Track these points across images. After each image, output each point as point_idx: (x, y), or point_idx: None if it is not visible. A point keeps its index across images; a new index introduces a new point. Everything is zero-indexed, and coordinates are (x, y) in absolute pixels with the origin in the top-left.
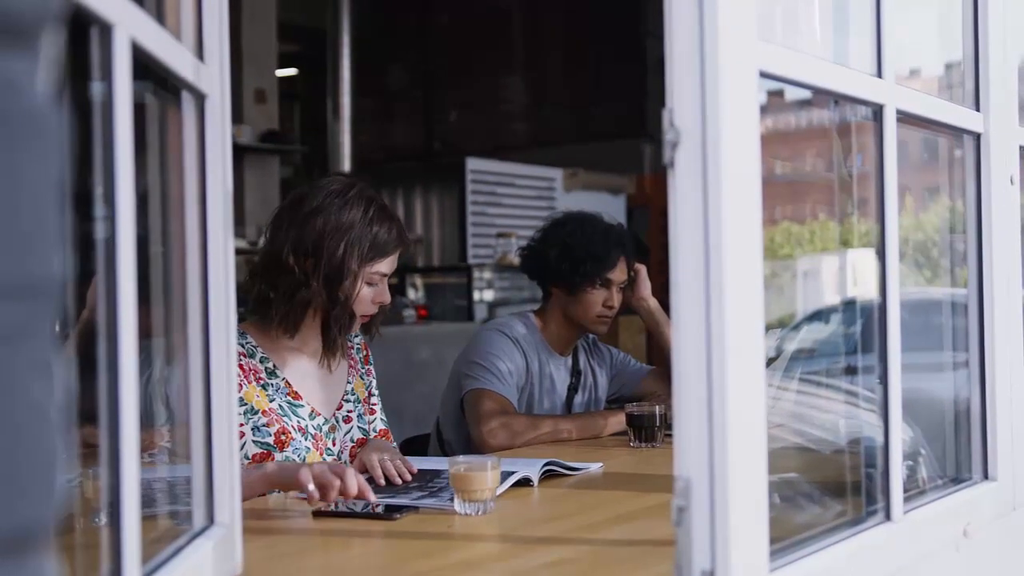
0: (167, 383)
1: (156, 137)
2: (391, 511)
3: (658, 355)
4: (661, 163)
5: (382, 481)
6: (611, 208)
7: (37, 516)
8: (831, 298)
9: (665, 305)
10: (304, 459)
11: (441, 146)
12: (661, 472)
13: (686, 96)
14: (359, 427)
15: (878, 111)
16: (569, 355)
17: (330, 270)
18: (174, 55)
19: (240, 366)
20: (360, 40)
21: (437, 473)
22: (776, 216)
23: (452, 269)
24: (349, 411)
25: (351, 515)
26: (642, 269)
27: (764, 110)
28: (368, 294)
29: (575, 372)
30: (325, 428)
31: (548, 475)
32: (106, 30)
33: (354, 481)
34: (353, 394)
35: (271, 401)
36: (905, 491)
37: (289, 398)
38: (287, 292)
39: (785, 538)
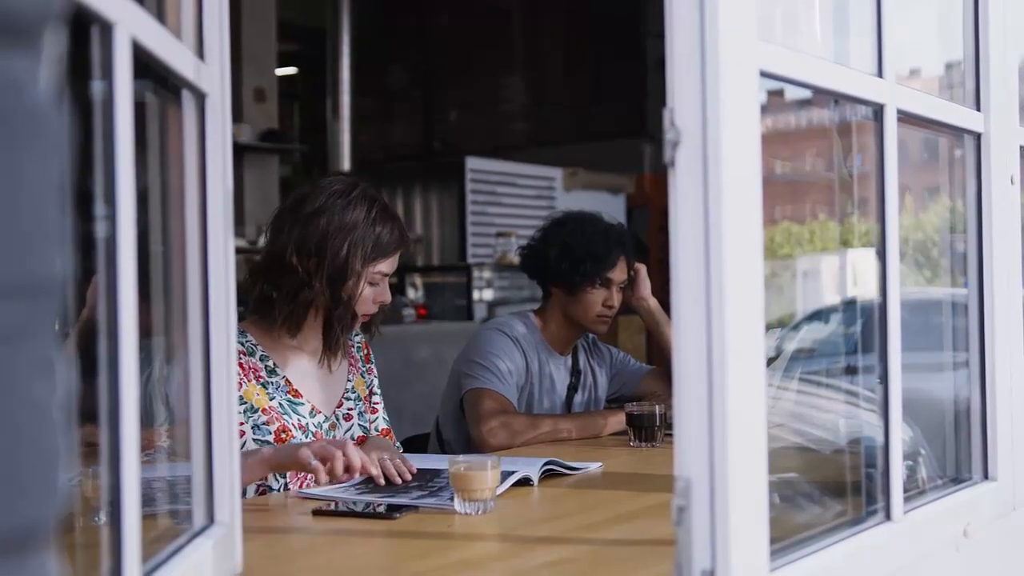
0: (167, 382)
1: (156, 136)
2: (391, 510)
3: (658, 355)
4: (661, 163)
5: (382, 481)
6: (611, 208)
7: (38, 516)
8: (831, 298)
9: (665, 305)
10: None
11: (441, 146)
12: (661, 472)
13: (687, 96)
14: (360, 425)
15: (878, 111)
16: (569, 355)
17: (333, 270)
18: (174, 54)
19: (240, 364)
20: (360, 40)
21: (437, 472)
22: (776, 216)
23: (452, 268)
24: (349, 409)
25: (351, 514)
26: (642, 269)
27: (764, 110)
28: (370, 294)
29: (575, 372)
30: (325, 426)
31: (548, 475)
32: (107, 29)
33: (355, 453)
34: (353, 392)
35: (271, 399)
36: (905, 491)
37: (289, 396)
38: (290, 292)
39: (785, 538)
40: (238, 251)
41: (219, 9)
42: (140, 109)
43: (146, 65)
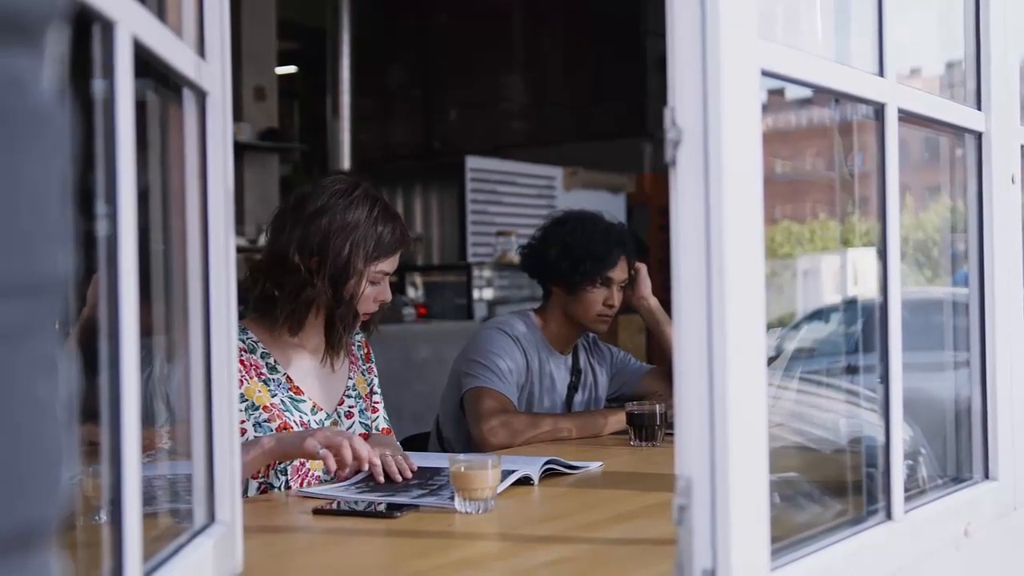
0: (168, 381)
1: (157, 134)
2: (391, 509)
3: (658, 354)
4: (661, 162)
5: (381, 479)
6: (611, 207)
7: (40, 514)
8: (831, 297)
9: (665, 304)
10: None
11: (441, 145)
12: (661, 471)
13: (688, 95)
14: (361, 423)
15: (879, 110)
16: (569, 354)
17: (335, 269)
18: (175, 52)
19: (241, 362)
20: (360, 39)
21: (437, 471)
22: (776, 215)
23: (452, 267)
24: (351, 406)
25: (351, 513)
26: (642, 268)
27: (765, 109)
28: (371, 292)
29: (575, 371)
30: (327, 423)
31: (548, 474)
32: (108, 27)
33: (362, 444)
34: (354, 390)
35: (272, 396)
36: (906, 490)
37: (291, 393)
38: (292, 291)
39: (786, 537)
40: (238, 250)
41: (220, 8)
42: (141, 108)
43: (147, 64)
